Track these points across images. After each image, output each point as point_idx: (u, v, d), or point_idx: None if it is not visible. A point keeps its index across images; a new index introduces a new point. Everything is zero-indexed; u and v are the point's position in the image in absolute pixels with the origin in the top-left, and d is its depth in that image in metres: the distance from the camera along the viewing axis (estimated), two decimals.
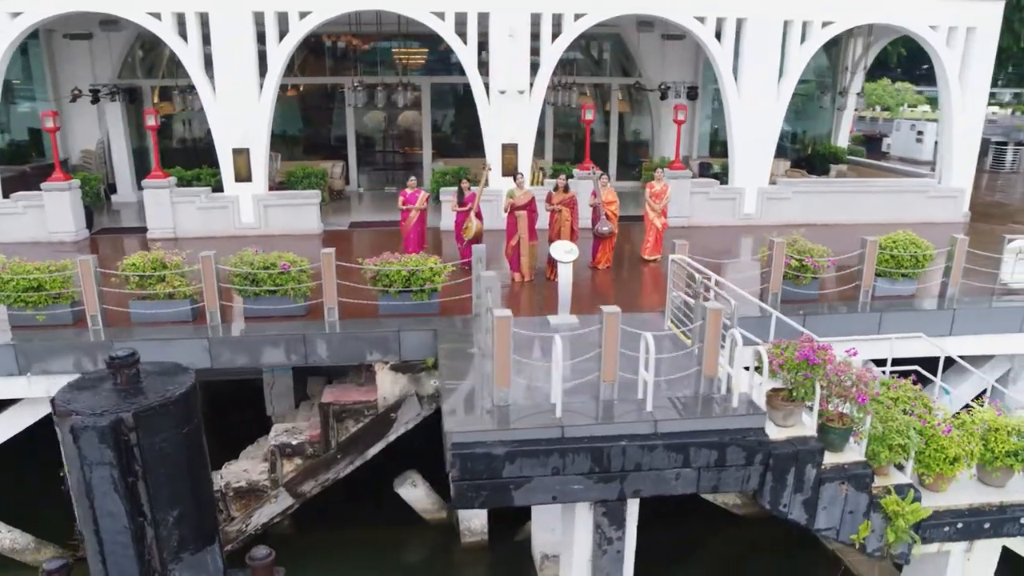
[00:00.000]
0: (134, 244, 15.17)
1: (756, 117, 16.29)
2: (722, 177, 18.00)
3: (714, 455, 7.60)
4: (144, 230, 16.07)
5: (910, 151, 27.72)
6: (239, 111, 15.07)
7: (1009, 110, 52.55)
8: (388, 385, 10.30)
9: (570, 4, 15.35)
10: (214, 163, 19.22)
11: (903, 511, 8.13)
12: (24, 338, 9.95)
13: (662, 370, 8.15)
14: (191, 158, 19.36)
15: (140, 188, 19.84)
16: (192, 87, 18.31)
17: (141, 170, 20.17)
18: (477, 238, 12.91)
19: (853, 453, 8.37)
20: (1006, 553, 9.07)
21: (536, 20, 15.43)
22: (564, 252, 10.42)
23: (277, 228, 15.79)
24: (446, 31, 15.18)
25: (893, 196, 17.47)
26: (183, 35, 14.78)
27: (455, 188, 15.43)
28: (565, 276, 10.35)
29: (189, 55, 14.80)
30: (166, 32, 14.65)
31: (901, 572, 10.05)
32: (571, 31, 15.54)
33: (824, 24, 15.99)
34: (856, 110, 22.78)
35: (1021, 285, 11.94)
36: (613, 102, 21.91)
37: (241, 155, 15.29)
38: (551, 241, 12.85)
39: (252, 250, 10.67)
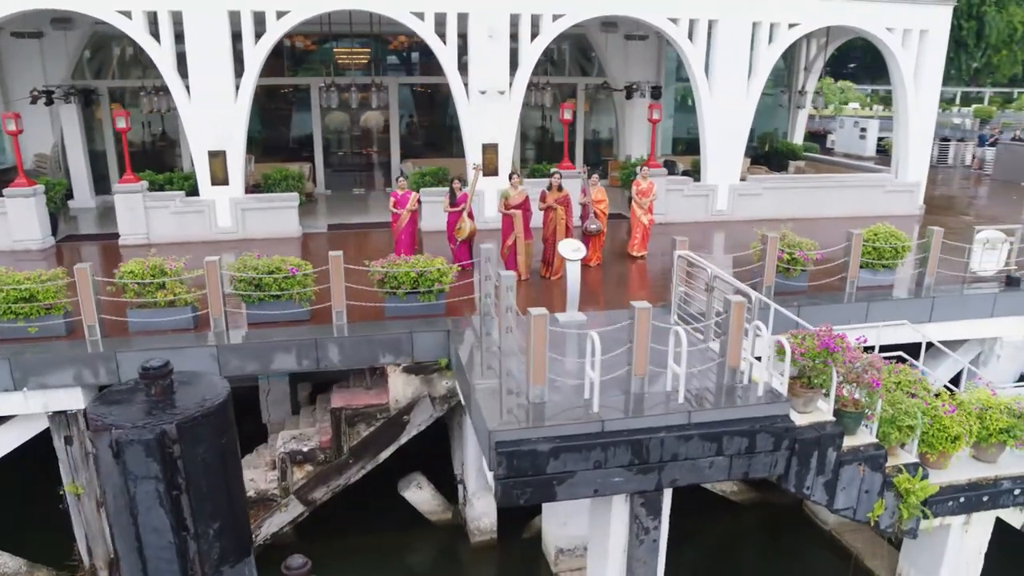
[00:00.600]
0: (106, 251, 14.62)
1: (727, 115, 16.80)
2: (692, 175, 18.45)
3: (745, 442, 7.87)
4: (113, 236, 15.52)
5: (854, 147, 28.93)
6: (215, 113, 14.67)
7: None
8: (400, 387, 10.25)
9: (548, 5, 15.51)
10: (169, 167, 18.70)
11: (915, 488, 8.59)
12: (16, 351, 9.49)
13: (686, 362, 8.35)
14: (149, 161, 18.72)
15: (98, 193, 19.26)
16: (156, 88, 17.80)
17: (98, 175, 19.47)
18: (470, 239, 12.95)
19: (865, 436, 8.79)
20: (997, 523, 9.69)
21: (515, 21, 15.54)
22: (572, 250, 10.57)
23: (255, 232, 15.45)
24: (426, 31, 15.13)
25: (854, 191, 18.28)
26: (154, 34, 14.31)
27: (445, 189, 15.43)
28: (573, 274, 10.51)
29: (162, 55, 14.32)
30: (137, 31, 14.14)
31: (899, 550, 10.62)
32: (549, 31, 15.71)
33: (791, 26, 16.62)
34: (816, 109, 23.68)
35: (988, 273, 12.69)
36: (580, 102, 22.18)
37: (217, 157, 14.89)
38: (545, 240, 13.05)
39: (254, 254, 10.47)
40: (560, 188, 12.79)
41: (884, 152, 29.19)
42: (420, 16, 15.04)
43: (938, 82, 17.87)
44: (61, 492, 9.93)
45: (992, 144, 27.41)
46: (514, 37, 15.72)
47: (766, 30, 16.55)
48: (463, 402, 9.69)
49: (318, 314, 10.52)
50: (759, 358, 8.33)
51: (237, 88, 14.77)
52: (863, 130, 28.81)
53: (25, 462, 10.61)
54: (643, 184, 14.04)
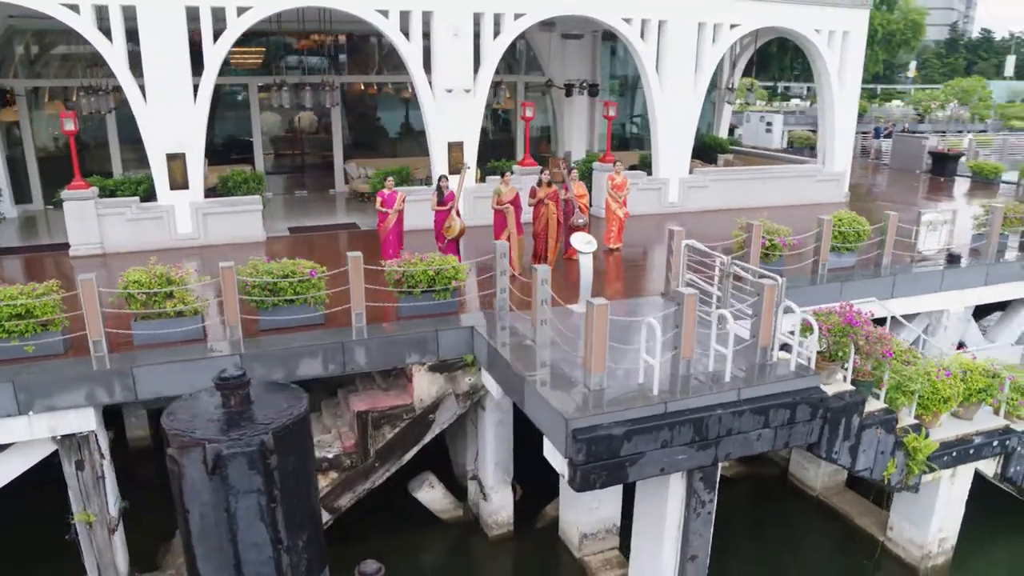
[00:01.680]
0: (57, 263, 13.58)
1: (677, 111, 17.59)
2: (640, 170, 19.17)
3: (787, 414, 8.44)
4: (52, 247, 14.52)
5: (760, 140, 30.77)
6: (173, 114, 13.92)
7: (809, 102, 59.69)
8: (425, 386, 10.20)
9: (510, 4, 15.72)
10: (90, 172, 17.51)
11: (921, 446, 9.48)
12: (14, 373, 8.75)
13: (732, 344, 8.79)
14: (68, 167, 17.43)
15: (18, 203, 17.79)
16: (93, 88, 16.70)
17: (16, 183, 17.96)
18: (458, 237, 12.98)
19: (874, 402, 9.60)
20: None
21: (477, 20, 15.65)
22: (584, 243, 10.87)
23: (218, 237, 14.78)
24: (391, 29, 14.98)
25: (788, 181, 19.59)
26: (104, 31, 13.41)
27: (410, 188, 15.36)
28: (586, 265, 10.82)
29: (114, 53, 13.43)
30: (86, 27, 13.21)
31: (884, 507, 11.62)
32: (511, 30, 15.93)
33: (732, 26, 17.61)
34: (749, 104, 25.03)
35: (932, 253, 14.02)
36: (516, 99, 22.48)
37: (176, 161, 14.14)
38: (536, 235, 13.28)
39: (264, 259, 10.15)
40: (550, 184, 13.06)
41: (789, 144, 31.28)
42: (385, 14, 14.88)
43: (859, 79, 19.46)
44: (70, 521, 9.24)
45: (887, 136, 29.98)
46: (476, 36, 15.83)
47: (710, 30, 17.46)
48: (501, 397, 9.79)
49: (332, 317, 10.30)
50: (792, 333, 8.93)
51: (195, 88, 14.07)
52: (769, 124, 30.72)
53: (19, 491, 9.76)
54: (618, 178, 14.54)
